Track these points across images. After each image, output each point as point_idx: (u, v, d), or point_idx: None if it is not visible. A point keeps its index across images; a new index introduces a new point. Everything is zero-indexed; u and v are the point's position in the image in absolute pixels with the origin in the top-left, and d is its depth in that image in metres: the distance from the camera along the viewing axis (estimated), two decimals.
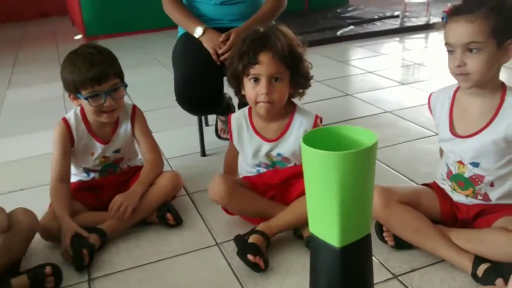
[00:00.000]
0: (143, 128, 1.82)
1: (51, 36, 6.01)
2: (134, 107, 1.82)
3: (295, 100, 1.63)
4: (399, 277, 1.36)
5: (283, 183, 1.60)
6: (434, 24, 4.58)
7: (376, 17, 4.93)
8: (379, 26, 4.67)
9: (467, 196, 1.41)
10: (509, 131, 1.30)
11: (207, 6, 2.08)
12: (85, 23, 5.30)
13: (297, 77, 1.53)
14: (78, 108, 1.74)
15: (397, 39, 4.40)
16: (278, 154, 1.59)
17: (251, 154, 1.62)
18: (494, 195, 1.38)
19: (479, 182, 1.38)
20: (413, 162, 2.01)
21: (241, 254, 1.43)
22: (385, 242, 1.47)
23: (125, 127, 1.79)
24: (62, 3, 7.11)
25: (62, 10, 7.19)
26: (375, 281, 1.33)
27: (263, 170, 1.64)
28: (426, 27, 4.59)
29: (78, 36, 5.62)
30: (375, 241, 1.49)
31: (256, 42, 1.49)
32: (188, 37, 2.06)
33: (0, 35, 6.49)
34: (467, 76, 1.28)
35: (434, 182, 1.52)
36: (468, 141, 1.36)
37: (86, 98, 1.63)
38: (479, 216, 1.40)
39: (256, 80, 1.49)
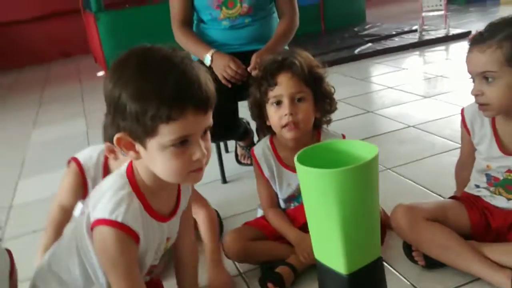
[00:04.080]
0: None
1: (74, 74, 6.13)
2: None
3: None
4: None
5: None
6: (468, 32, 4.48)
7: (394, 32, 4.88)
8: (397, 41, 4.62)
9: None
10: None
11: (217, 31, 2.07)
12: (106, 59, 5.40)
13: (321, 98, 1.49)
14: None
15: (417, 53, 4.33)
16: None
17: (282, 188, 1.57)
18: None
19: None
20: (440, 176, 1.93)
21: (262, 281, 1.38)
22: (415, 262, 1.40)
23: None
24: (84, 42, 7.28)
25: (85, 49, 7.35)
26: None
27: (291, 206, 1.58)
28: (446, 39, 4.51)
29: (101, 73, 5.72)
30: (405, 262, 1.43)
31: (273, 65, 1.47)
32: (201, 63, 2.05)
33: (26, 77, 6.66)
34: (486, 106, 1.27)
35: (463, 193, 1.46)
36: None
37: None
38: None
39: (279, 103, 1.45)
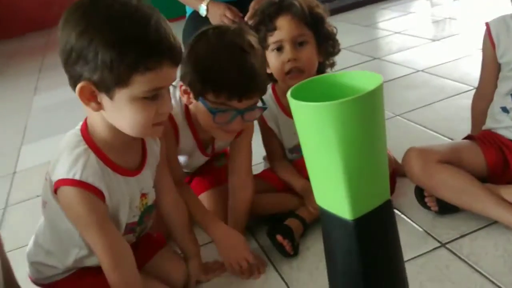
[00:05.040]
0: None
1: None
2: None
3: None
4: (447, 245, 1.24)
5: None
6: None
7: None
8: None
9: None
10: None
11: None
12: None
13: (323, 40, 1.40)
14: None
15: None
16: None
17: (286, 138, 1.50)
18: None
19: None
20: (451, 120, 1.86)
21: (271, 233, 1.34)
22: (428, 208, 1.35)
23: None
24: None
25: None
26: (421, 251, 1.23)
27: (297, 157, 1.52)
28: None
29: None
30: (417, 208, 1.38)
31: (271, 7, 1.38)
32: (196, 15, 1.97)
33: (26, 44, 6.57)
34: None
35: (480, 132, 1.39)
36: None
37: (213, 111, 1.18)
38: None
39: (279, 49, 1.37)
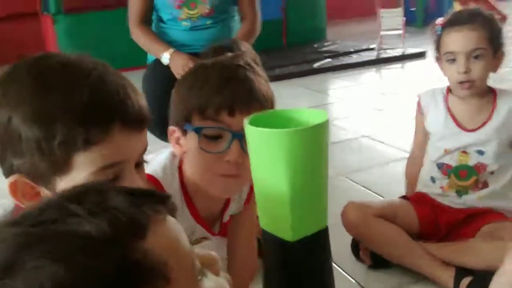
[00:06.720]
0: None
1: None
2: None
3: None
4: None
5: None
6: (423, 52, 4.62)
7: (352, 50, 4.98)
8: (355, 58, 4.71)
9: (464, 191, 1.39)
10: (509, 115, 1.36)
11: (177, 32, 2.07)
12: None
13: None
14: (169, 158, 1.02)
15: (374, 69, 4.44)
16: None
17: None
18: (493, 183, 1.37)
19: (483, 171, 1.37)
20: (389, 183, 1.97)
21: None
22: (362, 261, 1.42)
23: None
24: (40, 46, 7.12)
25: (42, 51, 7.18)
26: None
27: None
28: (402, 58, 4.64)
29: None
30: (352, 262, 1.44)
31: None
32: (157, 64, 2.04)
33: None
34: (471, 83, 1.31)
35: (414, 194, 1.49)
36: (475, 133, 1.38)
37: (197, 130, 0.92)
38: (464, 222, 1.38)
39: None
